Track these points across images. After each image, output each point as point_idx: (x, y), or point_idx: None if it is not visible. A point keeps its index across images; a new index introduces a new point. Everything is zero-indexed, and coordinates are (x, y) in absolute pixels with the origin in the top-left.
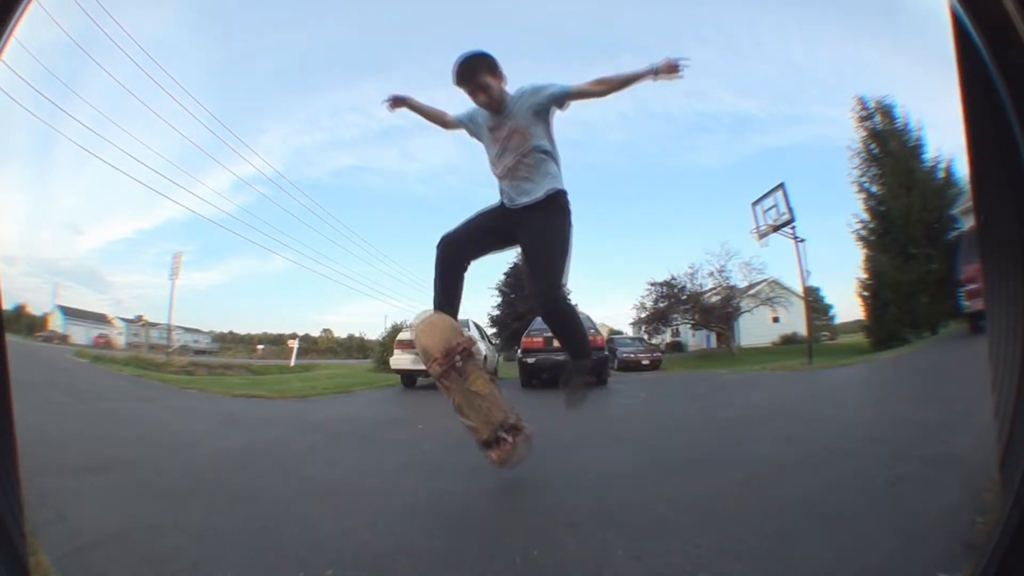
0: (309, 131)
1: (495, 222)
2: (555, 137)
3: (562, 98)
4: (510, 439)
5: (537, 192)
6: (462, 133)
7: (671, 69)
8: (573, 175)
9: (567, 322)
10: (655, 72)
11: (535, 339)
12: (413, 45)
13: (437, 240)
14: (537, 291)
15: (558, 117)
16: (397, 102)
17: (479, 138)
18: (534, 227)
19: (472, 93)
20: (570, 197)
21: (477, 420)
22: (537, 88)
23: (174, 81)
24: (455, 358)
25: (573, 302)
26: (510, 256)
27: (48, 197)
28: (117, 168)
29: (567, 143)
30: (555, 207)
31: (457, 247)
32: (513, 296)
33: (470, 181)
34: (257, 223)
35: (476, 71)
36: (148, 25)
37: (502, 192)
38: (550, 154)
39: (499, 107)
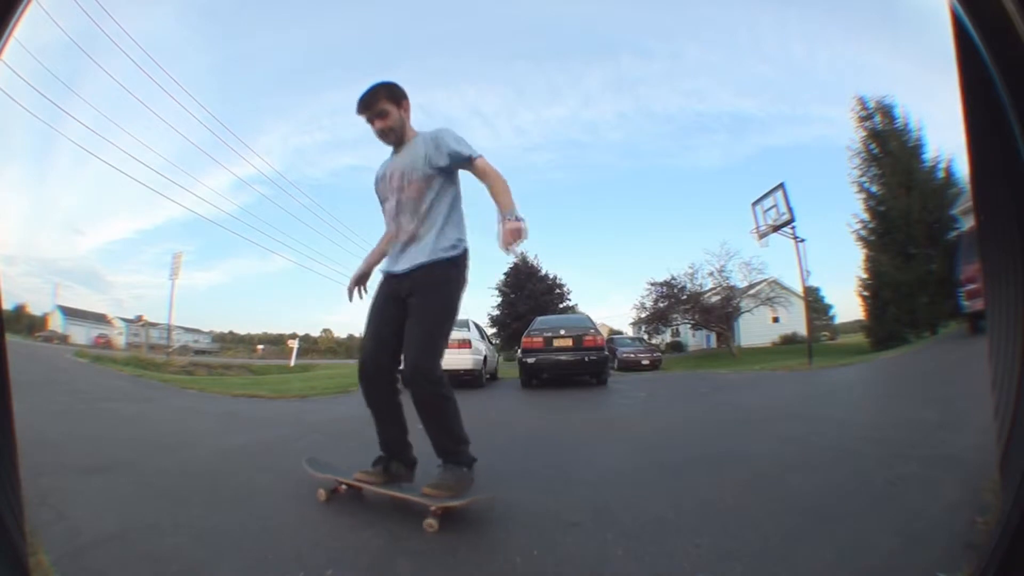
0: (310, 131)
1: (391, 306)
2: (460, 194)
3: (464, 165)
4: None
5: (420, 257)
6: (461, 132)
7: (507, 242)
8: (574, 175)
9: (432, 412)
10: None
11: (535, 339)
12: (413, 45)
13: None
14: (405, 370)
15: (555, 119)
16: (359, 280)
17: (379, 191)
18: (415, 295)
19: (370, 122)
20: (576, 191)
21: None
22: (441, 139)
23: (174, 81)
24: None
25: (445, 392)
26: (510, 255)
27: (48, 197)
28: (117, 168)
29: (568, 143)
30: (441, 274)
31: (377, 370)
32: (513, 296)
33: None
34: (257, 223)
35: (375, 98)
36: (149, 25)
37: (388, 256)
38: (446, 216)
39: (398, 139)
